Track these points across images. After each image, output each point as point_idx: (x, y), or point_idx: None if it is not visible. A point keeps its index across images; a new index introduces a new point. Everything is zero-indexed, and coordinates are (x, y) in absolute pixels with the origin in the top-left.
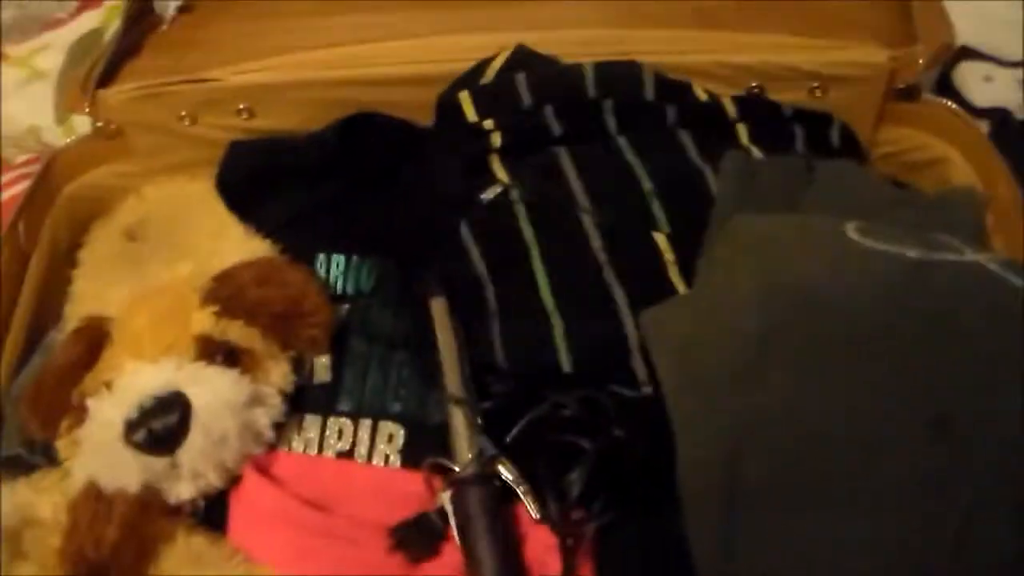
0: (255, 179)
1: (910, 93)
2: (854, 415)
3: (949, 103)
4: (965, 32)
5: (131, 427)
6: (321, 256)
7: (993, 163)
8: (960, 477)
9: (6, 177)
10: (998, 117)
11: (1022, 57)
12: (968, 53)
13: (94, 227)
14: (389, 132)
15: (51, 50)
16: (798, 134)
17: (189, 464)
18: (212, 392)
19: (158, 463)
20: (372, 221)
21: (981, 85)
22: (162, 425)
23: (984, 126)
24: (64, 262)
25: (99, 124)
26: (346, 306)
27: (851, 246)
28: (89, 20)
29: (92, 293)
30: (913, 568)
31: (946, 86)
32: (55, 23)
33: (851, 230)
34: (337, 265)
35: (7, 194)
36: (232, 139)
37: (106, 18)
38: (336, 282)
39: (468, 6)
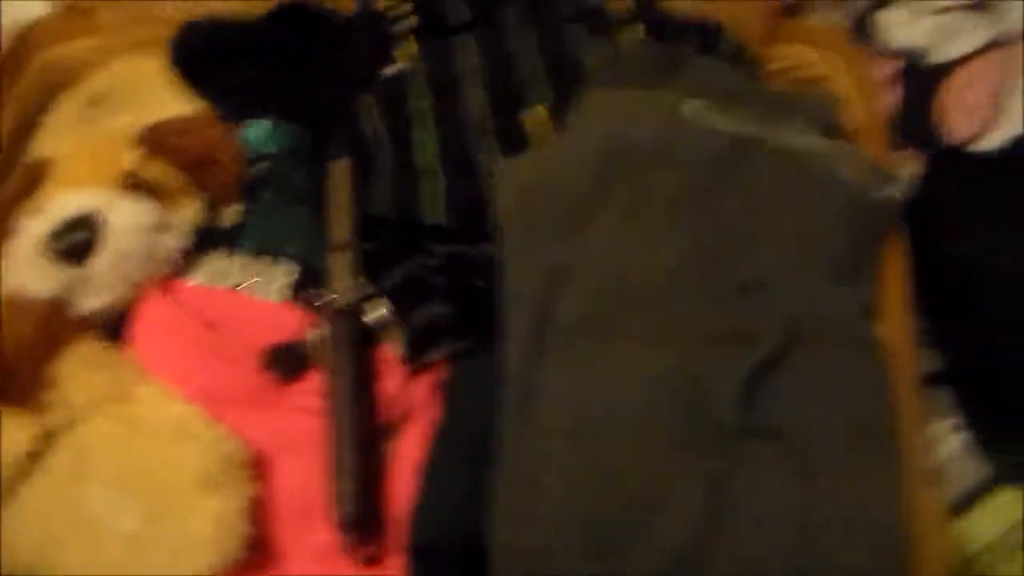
0: (201, 55)
1: (792, 9)
2: (668, 266)
3: (828, 18)
4: None
5: (51, 238)
6: (249, 120)
7: (865, 77)
8: (758, 332)
9: None
10: (911, 57)
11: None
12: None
13: (61, 97)
14: (316, 19)
15: None
16: (688, 40)
17: (98, 277)
18: (125, 214)
19: (71, 273)
20: (295, 92)
21: (900, 29)
22: (76, 238)
23: (898, 65)
24: (33, 123)
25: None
26: (265, 163)
27: (684, 120)
28: None
29: (48, 145)
30: (706, 403)
31: (863, 27)
32: None
33: (688, 106)
34: (263, 128)
35: None
36: (187, 19)
37: None
38: (259, 143)
39: None
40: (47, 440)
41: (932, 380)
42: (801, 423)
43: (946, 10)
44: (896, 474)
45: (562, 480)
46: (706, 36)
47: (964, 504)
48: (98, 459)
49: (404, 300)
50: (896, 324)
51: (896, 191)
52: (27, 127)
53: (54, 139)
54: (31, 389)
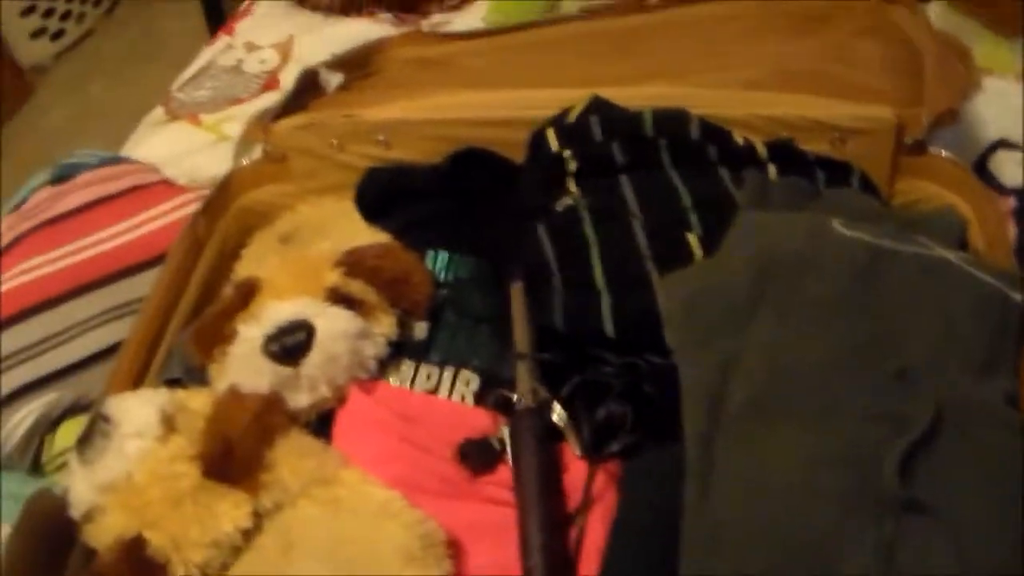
0: (385, 195)
1: (917, 148)
2: (824, 357)
3: (949, 155)
4: (1003, 127)
5: (268, 340)
6: (430, 252)
7: (982, 197)
8: (913, 413)
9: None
10: None
11: None
12: (1004, 144)
13: (256, 235)
14: (490, 164)
15: (235, 120)
16: (820, 176)
17: (308, 376)
18: (332, 322)
19: (285, 372)
20: (471, 228)
21: (1014, 169)
22: (292, 340)
23: (1012, 202)
24: (231, 257)
25: (269, 149)
26: (445, 290)
27: (832, 231)
28: (267, 99)
29: (247, 273)
30: (869, 477)
31: (982, 168)
32: (240, 100)
33: (835, 223)
34: (442, 259)
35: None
36: (370, 165)
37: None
38: (440, 272)
39: (562, 66)
40: (260, 519)
41: None
42: (955, 498)
43: None
44: None
45: (741, 539)
46: (835, 171)
47: None
48: (306, 537)
49: (581, 402)
50: None
51: None
52: (227, 258)
53: (252, 268)
54: (249, 471)
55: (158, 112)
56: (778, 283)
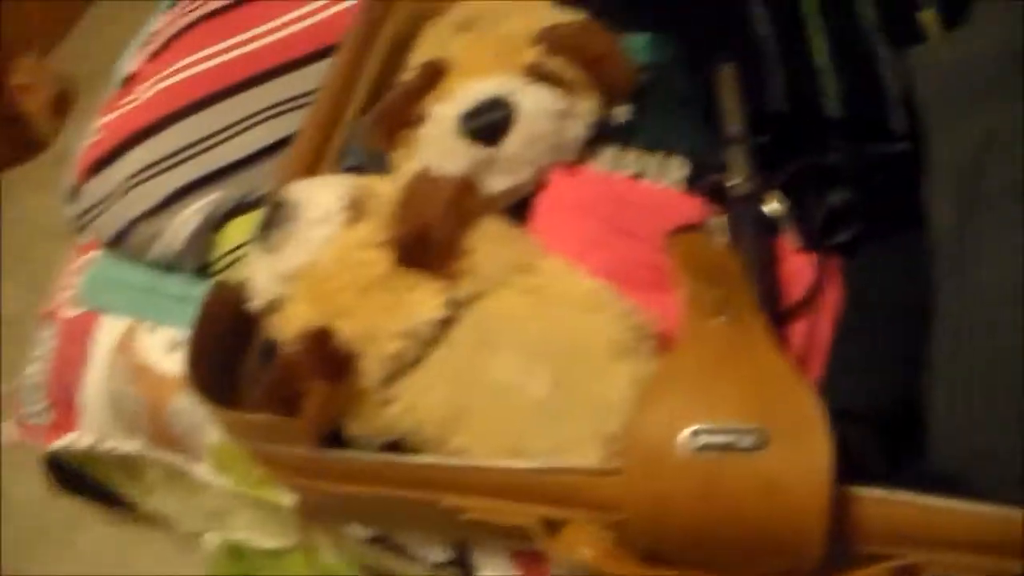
0: None
1: None
2: None
3: None
4: None
5: (465, 119)
6: (627, 35)
7: None
8: None
9: None
10: None
11: None
12: None
13: (428, 25)
14: None
15: None
16: None
17: (507, 158)
18: (535, 99)
19: (482, 152)
20: (673, 9)
21: None
22: (491, 118)
23: None
24: (403, 48)
25: None
26: (644, 73)
27: None
28: None
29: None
30: None
31: None
32: None
33: None
34: (640, 41)
35: None
36: None
37: None
38: (637, 55)
39: None
40: (455, 309)
41: None
42: None
43: None
44: None
45: (1012, 347)
46: None
47: None
48: (506, 329)
49: (801, 189)
50: None
51: None
52: (400, 48)
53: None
54: (443, 259)
55: None
56: None
